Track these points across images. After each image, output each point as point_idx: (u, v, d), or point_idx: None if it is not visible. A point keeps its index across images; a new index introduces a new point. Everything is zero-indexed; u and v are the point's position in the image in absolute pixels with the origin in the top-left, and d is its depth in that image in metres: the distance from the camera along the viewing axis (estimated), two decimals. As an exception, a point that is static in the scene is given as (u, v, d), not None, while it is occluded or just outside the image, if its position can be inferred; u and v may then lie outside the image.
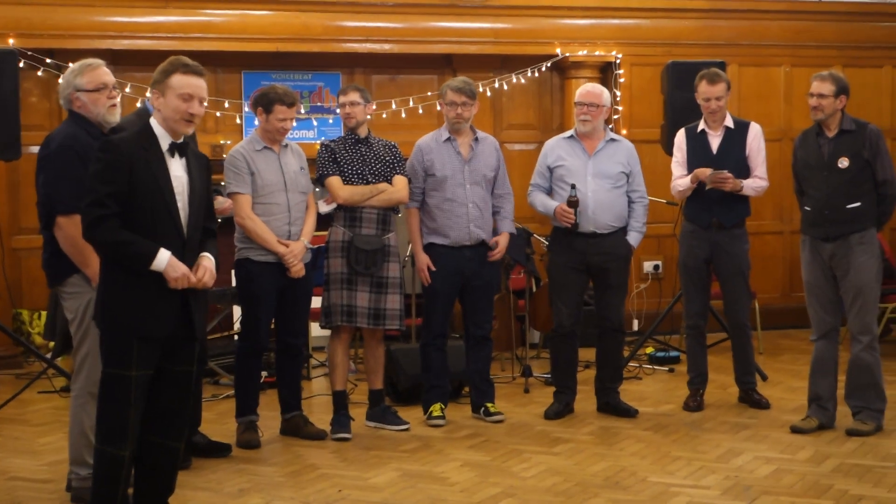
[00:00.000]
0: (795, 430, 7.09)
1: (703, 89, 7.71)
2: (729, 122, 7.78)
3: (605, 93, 7.66)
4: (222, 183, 6.95)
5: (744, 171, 7.70)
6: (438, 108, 7.58)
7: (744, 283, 7.79)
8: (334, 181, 7.12)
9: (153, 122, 5.09)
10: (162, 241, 4.95)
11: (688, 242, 7.81)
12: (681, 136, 7.95)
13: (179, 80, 5.07)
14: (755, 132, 7.80)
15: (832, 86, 6.92)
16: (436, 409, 7.46)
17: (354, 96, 7.23)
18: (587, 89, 7.65)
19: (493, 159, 7.53)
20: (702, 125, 7.82)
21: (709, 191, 7.62)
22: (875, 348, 7.00)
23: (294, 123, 7.09)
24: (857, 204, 6.90)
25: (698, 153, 7.76)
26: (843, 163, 6.91)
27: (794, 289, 11.38)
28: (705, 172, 7.61)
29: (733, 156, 7.70)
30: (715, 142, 7.75)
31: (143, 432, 5.08)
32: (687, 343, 7.97)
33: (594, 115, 7.53)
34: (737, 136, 7.76)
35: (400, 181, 7.24)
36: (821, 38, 11.43)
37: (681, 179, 7.81)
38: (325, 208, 7.23)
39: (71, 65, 5.91)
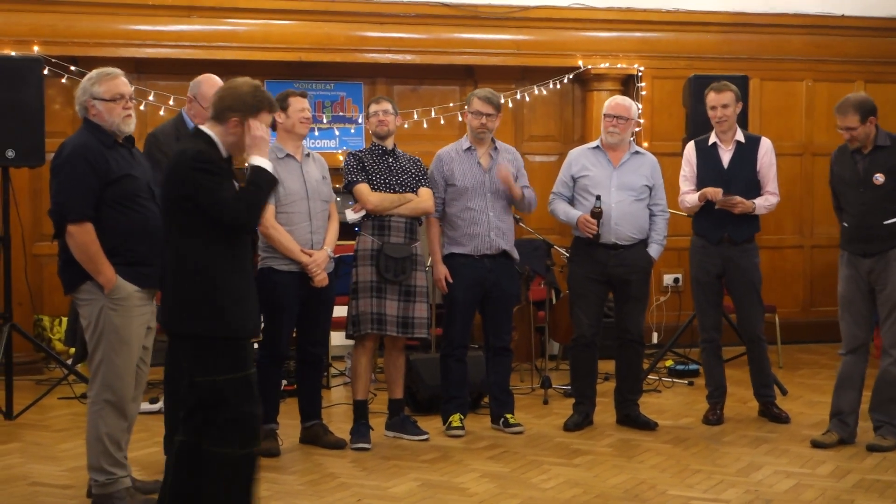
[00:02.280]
0: (816, 444, 7.08)
1: (711, 98, 7.71)
2: (740, 137, 7.73)
3: (634, 106, 7.69)
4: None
5: (754, 186, 7.66)
6: (460, 118, 7.58)
7: (756, 296, 7.77)
8: (363, 188, 7.14)
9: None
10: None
11: (698, 258, 7.78)
12: (690, 150, 7.91)
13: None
14: (766, 147, 7.76)
15: (856, 115, 6.93)
16: (455, 419, 7.46)
17: (387, 105, 7.30)
18: (617, 101, 7.65)
19: (513, 167, 7.54)
20: (713, 138, 7.77)
21: (719, 207, 7.60)
22: None
23: (312, 116, 7.12)
24: (895, 220, 6.90)
25: (708, 167, 7.73)
26: (879, 179, 6.92)
27: (815, 303, 11.37)
28: (717, 194, 7.58)
29: (744, 171, 7.67)
30: (726, 156, 7.71)
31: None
32: (703, 357, 7.95)
33: (622, 127, 7.55)
34: (748, 152, 7.71)
35: (426, 192, 7.28)
36: (842, 53, 11.42)
37: (689, 196, 7.78)
38: (352, 216, 7.23)
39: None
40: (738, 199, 7.53)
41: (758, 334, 7.80)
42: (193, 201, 4.75)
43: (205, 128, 4.95)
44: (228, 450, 4.76)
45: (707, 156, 7.77)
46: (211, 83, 6.48)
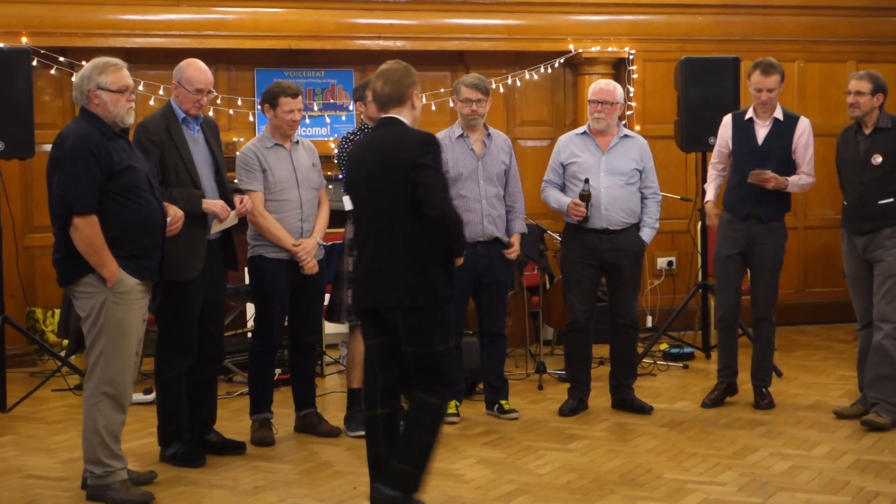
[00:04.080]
0: (839, 414, 7.23)
1: (756, 79, 7.54)
2: (778, 114, 7.59)
3: (619, 89, 7.62)
4: (235, 181, 6.94)
5: (788, 165, 7.53)
6: (451, 104, 7.55)
7: (774, 277, 7.65)
8: None
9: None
10: None
11: (724, 233, 7.67)
12: (726, 123, 7.77)
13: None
14: (804, 127, 7.59)
15: (869, 84, 7.04)
16: (450, 406, 7.44)
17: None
18: (601, 87, 7.60)
19: (506, 156, 7.52)
20: (750, 113, 7.64)
21: (750, 183, 7.45)
22: None
23: (302, 115, 7.05)
24: (890, 200, 7.01)
25: (743, 142, 7.62)
26: (877, 159, 7.01)
27: (809, 285, 11.37)
28: (711, 216, 7.66)
29: (779, 149, 7.53)
30: (762, 132, 7.57)
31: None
32: (718, 334, 7.90)
33: (608, 112, 7.51)
34: (785, 129, 7.56)
35: None
36: (835, 34, 11.38)
37: (710, 188, 7.84)
38: (350, 203, 7.14)
39: (85, 63, 5.90)
40: (771, 174, 7.38)
41: (764, 315, 7.69)
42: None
43: (395, 114, 5.36)
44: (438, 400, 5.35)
45: (743, 130, 7.64)
46: (195, 67, 6.43)
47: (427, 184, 5.16)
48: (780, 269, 7.74)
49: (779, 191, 7.49)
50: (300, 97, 6.96)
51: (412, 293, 5.23)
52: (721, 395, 7.78)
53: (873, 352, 7.06)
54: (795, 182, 7.52)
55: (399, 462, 5.24)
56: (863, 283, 7.16)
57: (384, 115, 5.40)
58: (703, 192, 7.92)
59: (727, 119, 7.82)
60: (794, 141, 7.56)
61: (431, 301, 5.25)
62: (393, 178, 5.21)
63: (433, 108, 10.41)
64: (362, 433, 6.93)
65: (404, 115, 5.37)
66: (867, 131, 7.09)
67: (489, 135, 7.49)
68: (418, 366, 5.29)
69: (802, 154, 7.57)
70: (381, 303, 5.29)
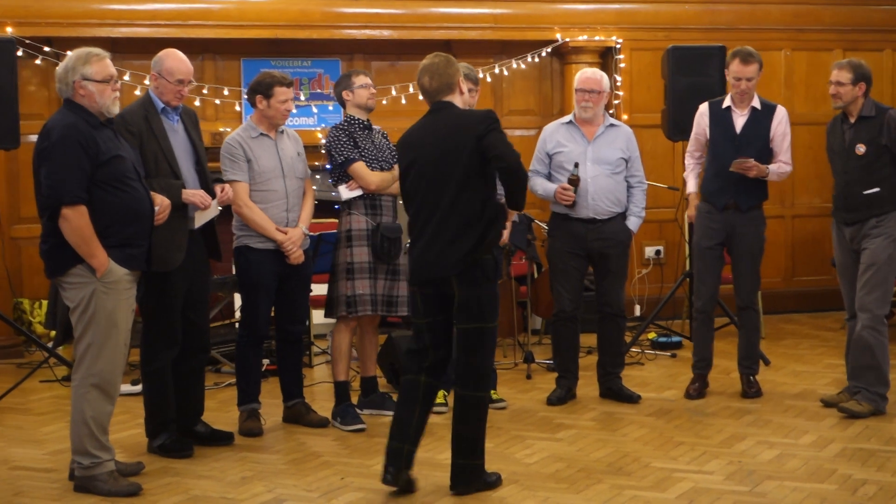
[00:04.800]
0: (826, 402, 7.26)
1: (735, 68, 7.55)
2: (756, 103, 7.61)
3: (605, 78, 7.62)
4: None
5: (766, 153, 7.55)
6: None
7: (755, 265, 7.67)
8: (362, 167, 7.05)
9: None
10: None
11: (703, 223, 7.68)
12: (703, 111, 7.78)
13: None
14: (781, 115, 7.63)
15: (850, 73, 7.02)
16: (438, 395, 7.43)
17: (370, 80, 7.28)
18: (587, 75, 7.59)
19: None
20: (727, 101, 7.66)
21: (728, 172, 7.45)
22: (878, 330, 6.99)
23: (294, 108, 7.04)
24: (875, 190, 6.99)
25: (721, 130, 7.62)
26: (860, 149, 7.00)
27: (797, 273, 11.39)
28: (693, 208, 7.68)
29: (757, 137, 7.55)
30: (740, 121, 7.59)
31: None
32: (694, 326, 7.91)
33: (595, 101, 7.50)
34: (763, 118, 7.59)
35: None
36: (821, 22, 11.39)
37: (690, 179, 7.84)
38: (347, 194, 7.09)
39: (69, 53, 5.87)
40: (753, 162, 7.40)
41: (749, 304, 7.70)
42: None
43: (448, 100, 5.79)
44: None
45: (720, 119, 7.64)
46: (175, 57, 6.40)
47: (496, 143, 5.60)
48: (761, 257, 7.75)
49: (758, 179, 7.52)
50: (293, 88, 6.96)
51: (469, 263, 5.61)
52: (702, 385, 7.78)
53: (854, 343, 7.09)
54: (775, 170, 7.55)
55: (464, 459, 5.75)
56: (851, 273, 7.17)
57: (439, 100, 5.80)
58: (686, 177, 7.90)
59: (703, 107, 7.82)
60: (772, 129, 7.59)
61: (482, 273, 5.65)
62: (457, 157, 5.62)
63: (420, 97, 10.35)
64: (357, 427, 6.97)
65: (455, 101, 5.81)
66: (852, 120, 7.09)
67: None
68: (466, 344, 5.70)
69: (780, 142, 7.60)
70: (442, 271, 5.65)
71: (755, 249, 7.67)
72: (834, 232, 7.28)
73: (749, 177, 7.45)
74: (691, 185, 7.85)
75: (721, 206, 7.58)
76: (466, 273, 5.62)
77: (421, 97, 5.94)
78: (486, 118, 5.65)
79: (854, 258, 7.14)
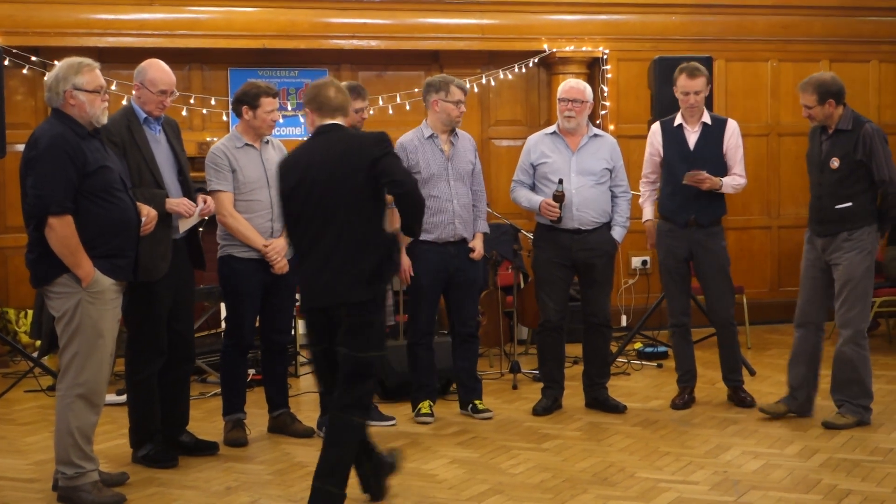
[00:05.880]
0: (762, 410, 7.29)
1: (683, 83, 7.61)
2: (706, 119, 7.67)
3: (588, 89, 7.63)
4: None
5: (720, 168, 7.61)
6: (431, 105, 7.45)
7: (726, 280, 7.72)
8: None
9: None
10: None
11: (666, 241, 7.71)
12: (655, 130, 7.85)
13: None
14: (732, 129, 7.69)
15: (813, 95, 6.96)
16: (424, 406, 7.44)
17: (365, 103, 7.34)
18: (570, 85, 7.61)
19: (472, 155, 7.53)
20: (678, 119, 7.72)
21: (685, 189, 7.51)
22: (860, 344, 6.99)
23: (280, 118, 7.05)
24: (848, 205, 6.94)
25: (674, 148, 7.68)
26: (834, 163, 6.96)
27: (782, 283, 11.40)
28: (652, 236, 7.69)
29: (711, 152, 7.61)
30: (692, 137, 7.65)
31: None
32: (673, 342, 7.93)
33: (578, 110, 7.52)
34: (714, 133, 7.65)
35: None
36: (808, 33, 11.43)
37: (647, 206, 7.86)
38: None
39: (57, 62, 5.87)
40: (705, 174, 7.45)
41: (728, 319, 7.73)
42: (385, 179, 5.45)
43: (337, 122, 5.58)
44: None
45: (673, 137, 7.71)
46: (158, 68, 6.40)
47: (393, 168, 5.44)
48: (729, 269, 7.77)
49: (714, 194, 7.57)
50: (278, 98, 6.98)
51: (357, 290, 5.41)
52: (689, 397, 7.79)
53: (836, 358, 7.07)
54: (729, 183, 7.60)
55: (320, 482, 5.41)
56: (811, 284, 7.14)
57: (327, 122, 5.57)
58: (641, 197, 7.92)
59: (655, 127, 7.89)
60: (724, 143, 7.64)
61: (374, 302, 5.46)
62: (350, 179, 5.41)
63: (408, 107, 10.40)
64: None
65: (344, 122, 5.64)
66: (830, 131, 7.05)
67: (456, 134, 7.49)
68: (353, 371, 5.43)
69: (733, 155, 7.65)
70: (336, 298, 5.44)
71: (724, 263, 7.71)
72: (806, 241, 7.23)
73: (703, 189, 7.49)
74: (647, 213, 7.87)
75: (682, 224, 7.62)
76: (361, 301, 5.44)
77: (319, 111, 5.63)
78: (380, 141, 5.49)
79: (821, 267, 7.08)
